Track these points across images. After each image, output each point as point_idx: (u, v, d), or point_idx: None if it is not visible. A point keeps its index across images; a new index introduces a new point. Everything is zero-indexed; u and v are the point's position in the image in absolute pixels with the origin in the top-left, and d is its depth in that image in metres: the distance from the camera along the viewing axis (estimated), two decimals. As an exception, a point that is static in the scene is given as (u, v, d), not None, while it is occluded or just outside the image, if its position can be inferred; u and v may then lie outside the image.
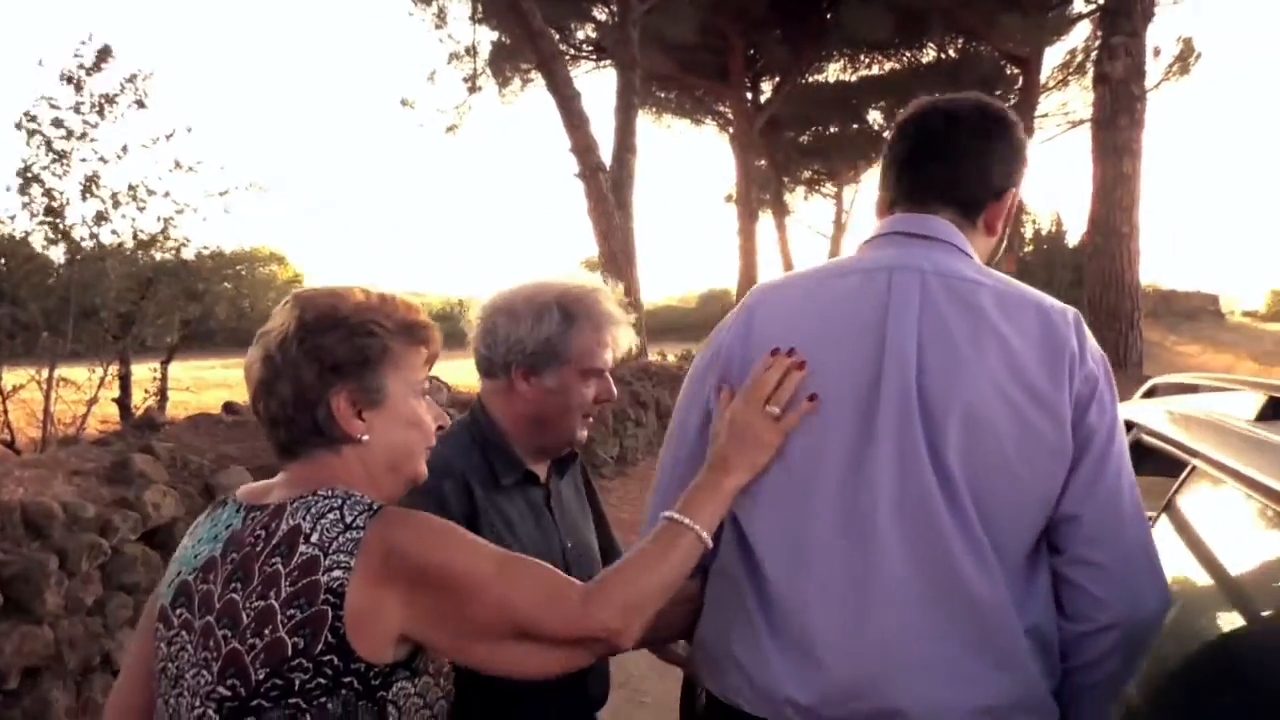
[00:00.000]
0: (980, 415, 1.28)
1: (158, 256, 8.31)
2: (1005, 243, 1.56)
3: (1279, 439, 1.48)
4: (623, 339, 1.76)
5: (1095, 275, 17.33)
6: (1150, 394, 2.66)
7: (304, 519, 1.24)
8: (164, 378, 9.05)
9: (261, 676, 1.19)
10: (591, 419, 1.81)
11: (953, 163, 1.42)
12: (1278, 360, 27.09)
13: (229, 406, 6.33)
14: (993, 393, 1.28)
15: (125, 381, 8.06)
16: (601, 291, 1.75)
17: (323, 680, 1.18)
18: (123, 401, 8.02)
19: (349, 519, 1.24)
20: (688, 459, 1.52)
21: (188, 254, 8.43)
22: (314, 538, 1.22)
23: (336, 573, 1.20)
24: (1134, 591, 1.32)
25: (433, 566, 1.22)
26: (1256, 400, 1.68)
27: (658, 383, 13.13)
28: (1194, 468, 1.67)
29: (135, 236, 7.96)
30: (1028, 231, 38.89)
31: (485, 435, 1.72)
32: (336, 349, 1.30)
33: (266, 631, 1.19)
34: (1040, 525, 1.34)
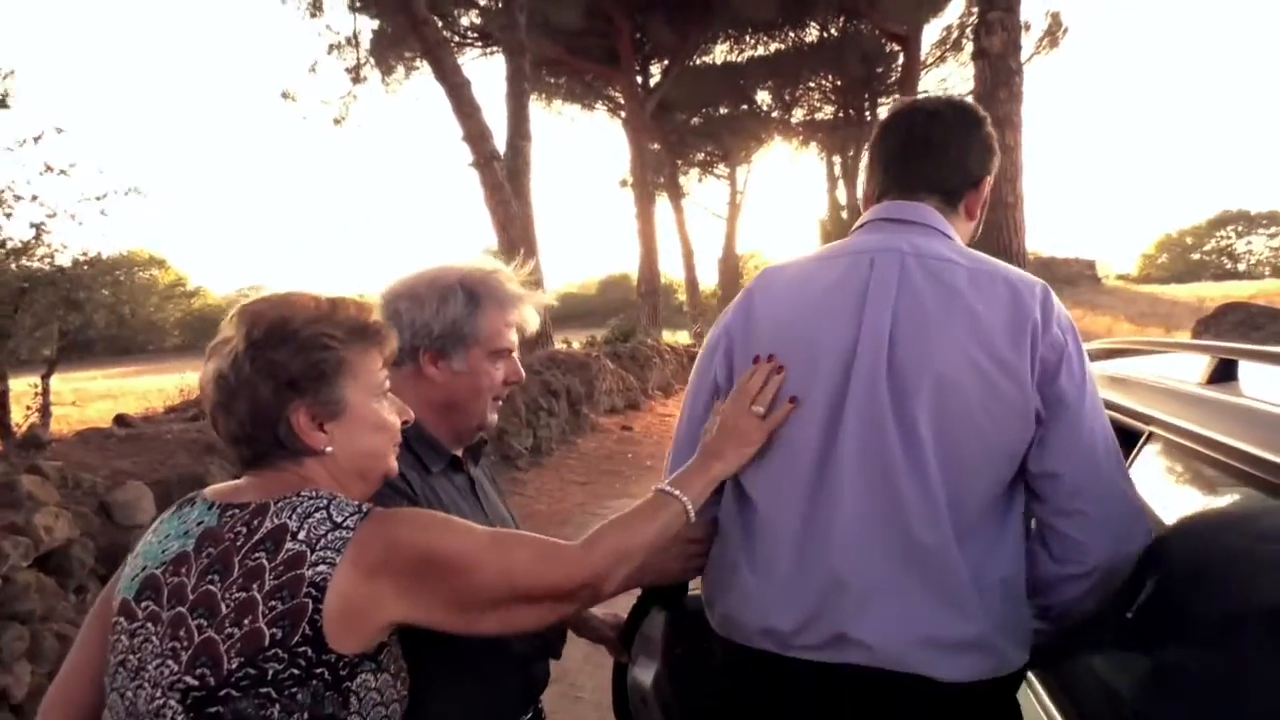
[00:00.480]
0: (950, 379, 1.42)
1: (31, 265, 7.83)
2: (980, 226, 1.73)
3: (1239, 401, 1.48)
4: (529, 318, 1.75)
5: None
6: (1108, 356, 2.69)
7: (290, 518, 1.27)
8: (45, 392, 8.56)
9: (234, 666, 1.20)
10: (501, 401, 1.78)
11: (935, 156, 1.59)
12: (1152, 320, 28.52)
13: (121, 419, 6.00)
14: (961, 360, 1.43)
15: (3, 398, 7.59)
16: (503, 272, 1.74)
17: (295, 671, 1.21)
18: (1, 420, 7.54)
19: (337, 519, 1.28)
20: (692, 439, 1.70)
21: (63, 261, 7.96)
22: (301, 535, 1.25)
23: (321, 568, 1.23)
24: (1117, 536, 1.46)
25: (435, 554, 1.27)
26: (1202, 363, 1.69)
27: (567, 370, 13.04)
28: (1150, 434, 1.67)
29: (4, 245, 7.48)
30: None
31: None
32: (290, 364, 1.31)
33: (246, 621, 1.21)
34: (1007, 479, 1.47)
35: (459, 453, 1.76)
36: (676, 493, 1.51)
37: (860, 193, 1.74)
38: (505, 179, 15.87)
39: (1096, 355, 2.67)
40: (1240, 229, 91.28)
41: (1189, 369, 1.74)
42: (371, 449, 1.39)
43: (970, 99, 1.68)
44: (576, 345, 17.25)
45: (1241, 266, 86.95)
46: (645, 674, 2.03)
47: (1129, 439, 1.70)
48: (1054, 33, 25.63)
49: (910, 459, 1.45)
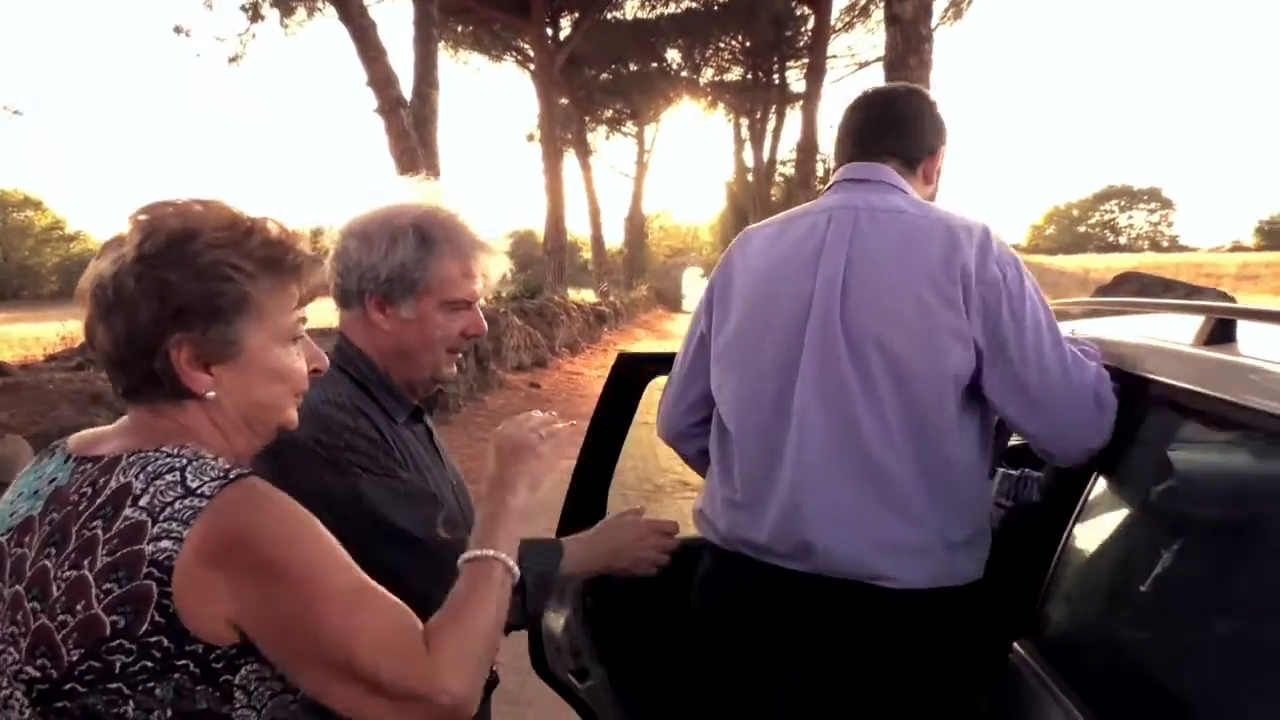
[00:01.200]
0: (896, 312, 1.63)
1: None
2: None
3: (1249, 362, 1.40)
4: (493, 268, 1.64)
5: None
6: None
7: (136, 477, 1.07)
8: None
9: (75, 658, 1.03)
10: (459, 354, 1.69)
11: (897, 127, 1.85)
12: (1054, 291, 29.46)
13: (-5, 367, 5.55)
14: (906, 295, 1.63)
15: None
16: (466, 216, 1.63)
17: (149, 664, 1.03)
18: None
19: (192, 484, 1.07)
20: (683, 380, 1.98)
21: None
22: (143, 500, 1.05)
23: (165, 543, 1.03)
24: (1080, 440, 1.66)
25: (278, 562, 1.05)
26: (1195, 324, 1.60)
27: (473, 326, 12.72)
28: (1154, 397, 1.57)
29: None
30: (819, 170, 40.54)
31: (363, 372, 1.60)
32: (181, 289, 1.10)
33: (79, 607, 1.03)
34: (955, 396, 1.65)
35: (416, 402, 1.69)
36: (490, 553, 1.23)
37: (832, 165, 1.94)
38: (411, 127, 15.35)
39: (1076, 314, 2.62)
40: (1123, 203, 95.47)
41: (1180, 330, 1.66)
42: (266, 399, 1.19)
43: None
44: (483, 301, 16.89)
45: (1123, 239, 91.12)
46: (556, 621, 2.10)
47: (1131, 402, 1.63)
48: (959, 4, 26.05)
49: (863, 384, 1.64)
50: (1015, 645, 1.66)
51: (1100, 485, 1.69)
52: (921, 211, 1.72)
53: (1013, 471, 2.54)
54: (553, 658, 2.15)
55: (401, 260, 1.54)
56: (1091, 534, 1.72)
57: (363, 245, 1.55)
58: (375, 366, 1.59)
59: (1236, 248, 77.47)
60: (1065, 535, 1.68)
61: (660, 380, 2.14)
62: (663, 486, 7.81)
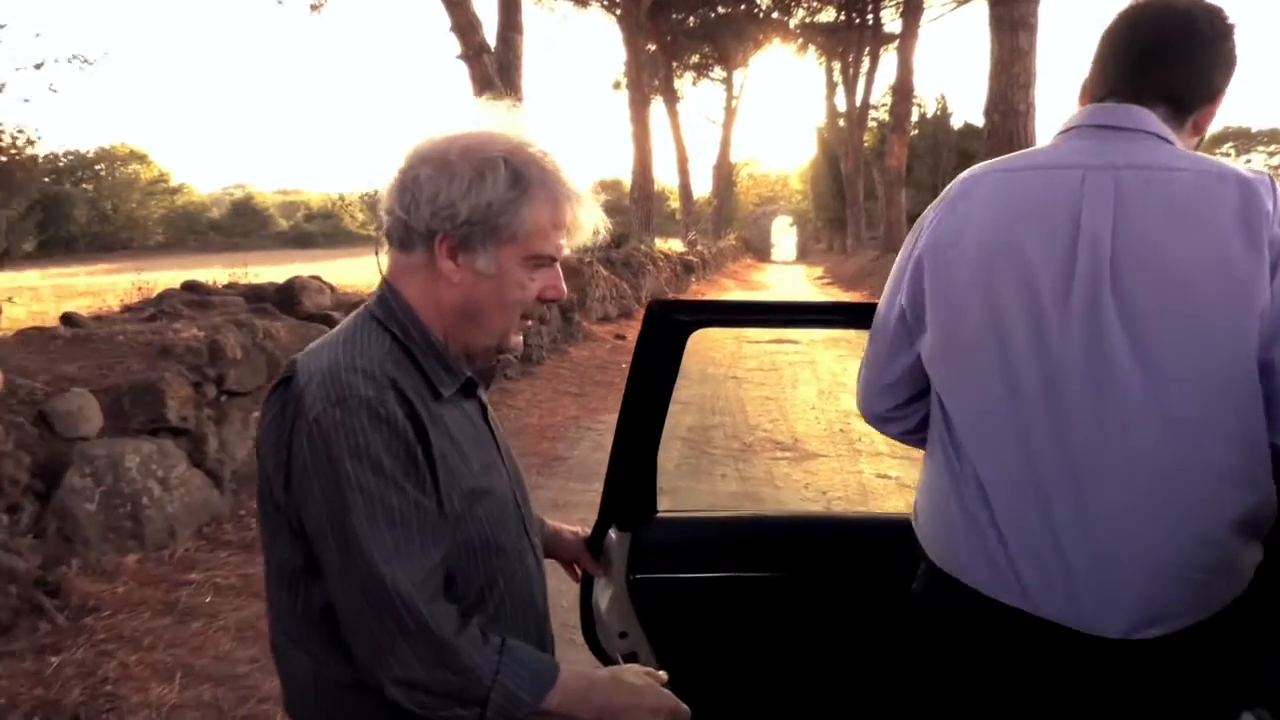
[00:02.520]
0: (1189, 298, 1.31)
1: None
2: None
3: None
4: (585, 222, 1.37)
5: (993, 155, 17.21)
6: None
7: None
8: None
9: None
10: (531, 323, 1.40)
11: (1179, 65, 1.45)
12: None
13: (67, 318, 5.47)
14: (1195, 270, 1.32)
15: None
16: (559, 157, 1.34)
17: None
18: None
19: None
20: (879, 360, 1.64)
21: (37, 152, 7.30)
22: None
23: None
24: None
25: None
26: None
27: (557, 277, 12.52)
28: None
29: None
30: (914, 115, 39.13)
31: (409, 332, 1.32)
32: None
33: None
34: (1255, 392, 1.33)
35: (470, 373, 1.40)
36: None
37: (1081, 83, 1.56)
38: (496, 74, 15.07)
39: None
40: (1240, 146, 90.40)
41: None
42: None
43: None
44: (568, 251, 16.70)
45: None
46: (602, 597, 1.96)
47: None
48: (1071, -68, 24.51)
49: (1150, 392, 1.32)
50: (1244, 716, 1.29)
51: None
52: (1200, 165, 1.38)
53: None
54: (602, 634, 2.01)
55: (489, 200, 1.26)
56: None
57: (440, 174, 1.27)
58: (426, 327, 1.31)
59: (1366, 192, 72.53)
60: None
61: (706, 332, 1.98)
62: (751, 445, 7.51)
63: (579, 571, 1.92)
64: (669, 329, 1.84)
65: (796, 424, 8.37)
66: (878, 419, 1.70)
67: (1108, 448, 1.34)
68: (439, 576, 1.21)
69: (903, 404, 1.64)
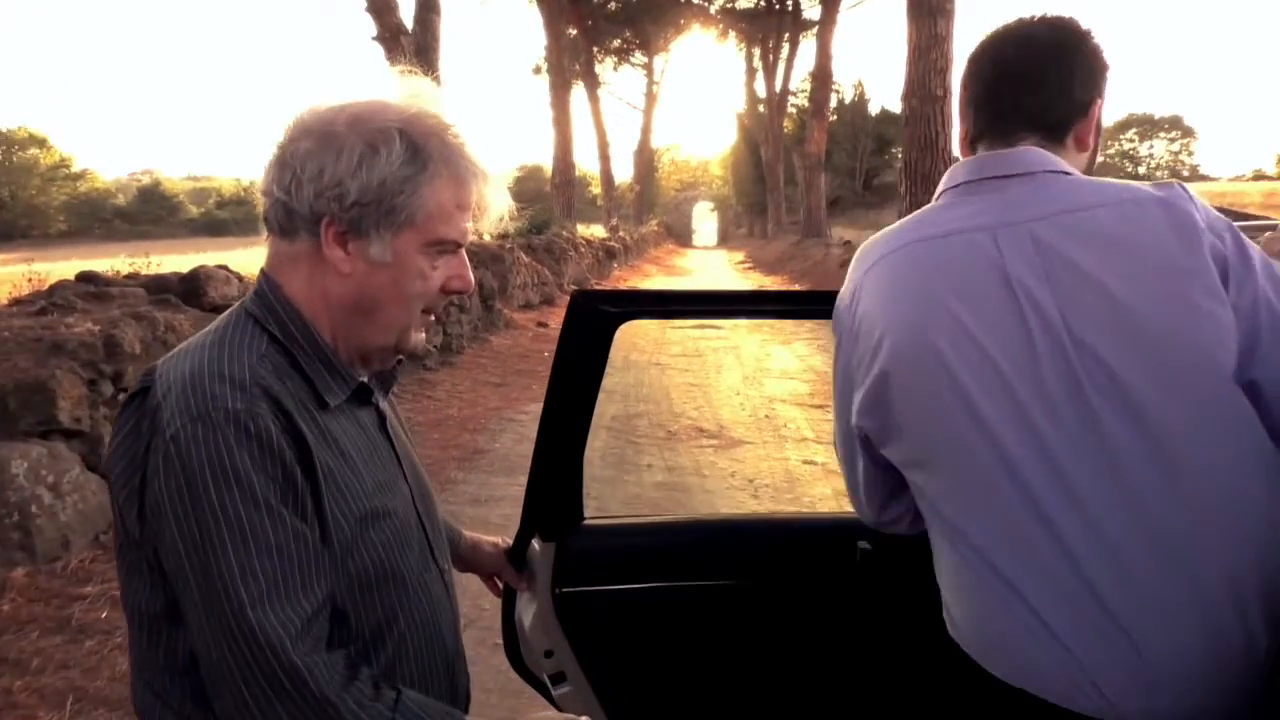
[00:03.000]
0: (1149, 339, 1.22)
1: None
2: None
3: None
4: (494, 204, 1.22)
5: (911, 140, 17.48)
6: None
7: None
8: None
9: None
10: (434, 318, 1.25)
11: (1041, 90, 1.40)
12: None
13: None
14: (1150, 309, 1.22)
15: None
16: (462, 131, 1.19)
17: None
18: None
19: None
20: (866, 474, 1.48)
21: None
22: None
23: None
24: None
25: None
26: None
27: (478, 263, 12.35)
28: None
29: None
30: (833, 101, 39.54)
31: (290, 332, 1.15)
32: None
33: None
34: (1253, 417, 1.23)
35: (365, 378, 1.25)
36: None
37: (956, 133, 1.51)
38: (413, 56, 14.72)
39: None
40: (1144, 132, 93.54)
41: None
42: None
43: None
44: (488, 237, 16.43)
45: (1143, 169, 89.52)
46: (525, 613, 1.83)
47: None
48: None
49: (1152, 452, 1.20)
50: None
51: None
52: (1112, 197, 1.29)
53: None
54: (526, 653, 1.88)
55: (383, 177, 1.10)
56: None
57: (325, 148, 1.10)
58: (311, 325, 1.15)
59: (1259, 176, 75.83)
60: None
61: (634, 324, 1.83)
62: (676, 433, 7.44)
63: (500, 585, 1.79)
64: (594, 321, 1.70)
65: (721, 410, 8.33)
66: (883, 526, 1.55)
67: (1134, 520, 1.21)
68: (323, 620, 1.04)
69: (903, 507, 1.49)
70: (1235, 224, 1.32)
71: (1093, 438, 1.22)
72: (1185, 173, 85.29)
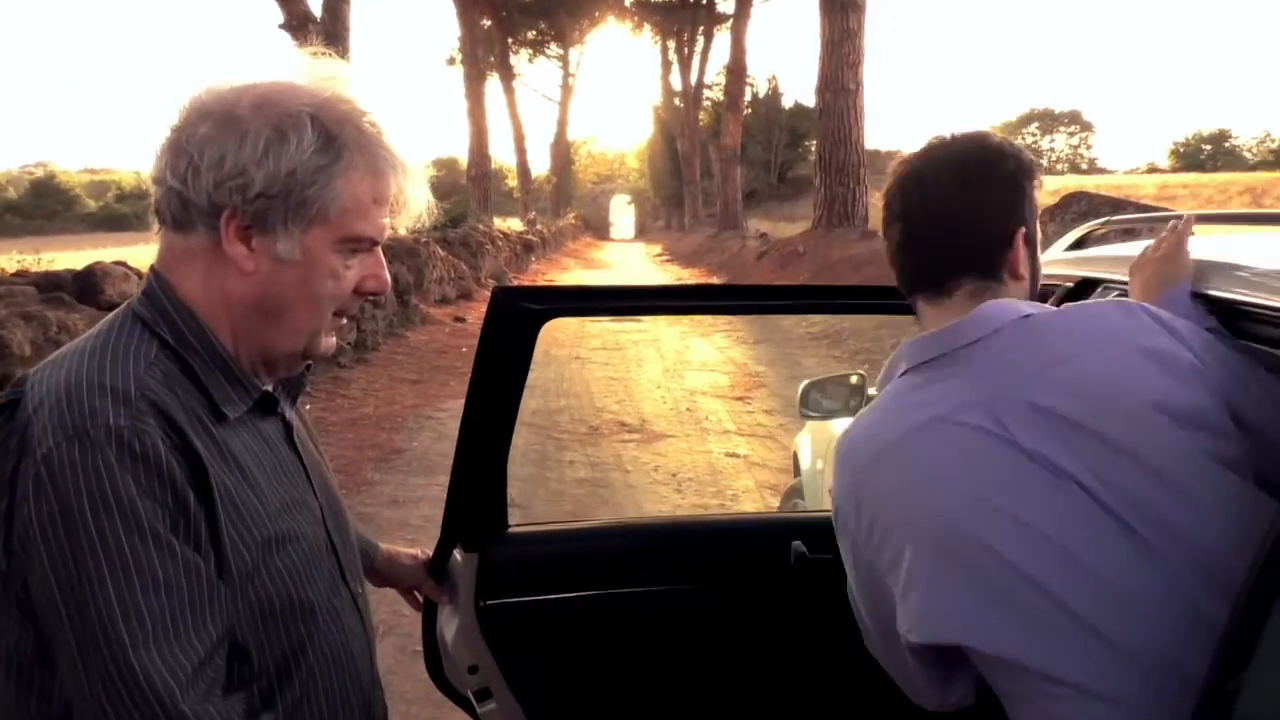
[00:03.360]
0: (1153, 462, 1.15)
1: None
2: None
3: None
4: (413, 199, 1.13)
5: (825, 133, 17.80)
6: (1081, 244, 2.13)
7: None
8: None
9: None
10: (346, 321, 1.16)
11: (951, 230, 1.34)
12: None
13: None
14: (1144, 439, 1.16)
15: None
16: (380, 119, 1.09)
17: None
18: None
19: None
20: (915, 670, 1.32)
21: None
22: None
23: None
24: None
25: None
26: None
27: (392, 257, 12.05)
28: None
29: None
30: (747, 94, 39.95)
31: (185, 338, 1.04)
32: None
33: None
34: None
35: (271, 386, 1.14)
36: None
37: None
38: (321, 45, 14.35)
39: (1097, 239, 2.17)
40: (1045, 126, 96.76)
41: None
42: None
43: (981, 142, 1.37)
44: (402, 230, 16.19)
45: (1044, 162, 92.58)
46: (448, 627, 1.74)
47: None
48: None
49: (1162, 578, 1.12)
50: None
51: None
52: (1086, 338, 1.23)
53: None
54: (449, 669, 1.78)
55: (292, 166, 1.00)
56: None
57: (227, 133, 0.99)
58: (208, 329, 1.04)
59: (1152, 169, 79.09)
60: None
61: (560, 321, 1.75)
62: (598, 428, 7.38)
63: (420, 599, 1.70)
64: (517, 319, 1.61)
65: (643, 404, 8.30)
66: (950, 706, 1.41)
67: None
68: (218, 662, 0.94)
69: (969, 679, 1.36)
70: (1140, 215, 1.29)
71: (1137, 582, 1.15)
72: (1084, 166, 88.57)
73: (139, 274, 6.78)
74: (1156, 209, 11.72)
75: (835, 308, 2.00)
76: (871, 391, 3.08)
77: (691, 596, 1.83)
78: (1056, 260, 2.02)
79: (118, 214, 68.55)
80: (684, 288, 1.58)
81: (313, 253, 1.04)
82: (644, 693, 1.84)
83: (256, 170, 0.98)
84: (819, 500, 3.44)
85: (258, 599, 1.00)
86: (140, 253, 11.91)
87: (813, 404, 3.12)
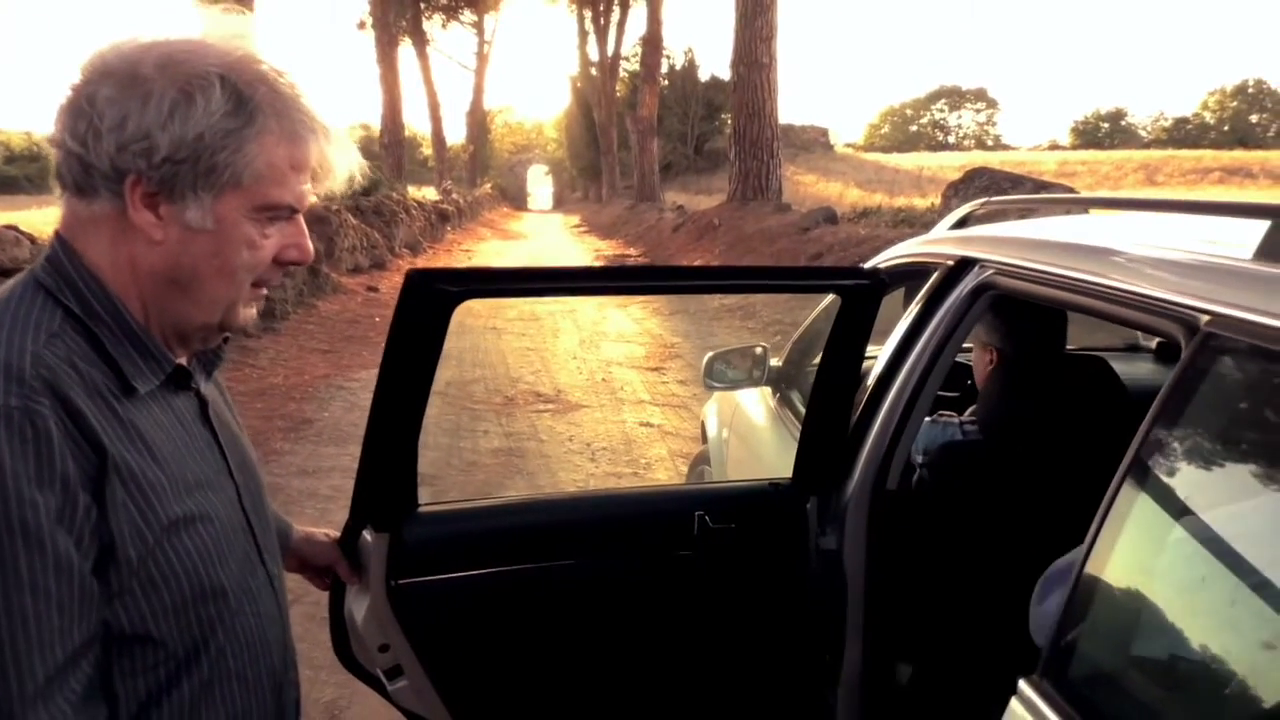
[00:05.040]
0: None
1: None
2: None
3: None
4: (339, 164, 1.08)
5: (739, 107, 17.91)
6: (963, 223, 2.20)
7: None
8: None
9: None
10: (266, 291, 1.11)
11: None
12: (878, 187, 30.11)
13: None
14: None
15: None
16: (296, 79, 1.04)
17: None
18: None
19: None
20: None
21: None
22: None
23: None
24: None
25: None
26: (1257, 230, 1.18)
27: (302, 227, 11.78)
28: (1208, 336, 1.10)
29: None
30: (664, 67, 39.81)
31: (91, 307, 1.00)
32: None
33: None
34: None
35: (184, 360, 1.10)
36: None
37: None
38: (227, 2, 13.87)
39: (979, 218, 2.25)
40: (953, 103, 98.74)
41: (1229, 240, 1.26)
42: None
43: None
44: (314, 198, 15.79)
45: (951, 139, 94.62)
46: (358, 607, 1.73)
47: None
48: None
49: None
50: (1022, 685, 1.22)
51: (1144, 470, 1.16)
52: None
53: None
54: (357, 648, 1.79)
55: (200, 129, 0.96)
56: (1133, 534, 1.19)
57: (129, 94, 0.95)
58: (117, 300, 1.00)
59: (1054, 146, 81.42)
60: (1091, 538, 1.19)
61: (475, 304, 1.72)
62: (514, 398, 7.38)
63: (328, 581, 1.68)
64: (432, 301, 1.59)
65: (559, 375, 8.32)
66: None
67: None
68: (81, 669, 0.91)
69: None
70: (1022, 197, 1.31)
71: None
72: (990, 142, 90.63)
73: (32, 239, 6.53)
74: (1054, 186, 12.19)
75: (748, 288, 2.05)
76: (774, 363, 3.18)
77: (597, 570, 1.87)
78: (939, 239, 2.11)
79: (6, 176, 65.14)
80: (600, 269, 1.56)
81: (226, 221, 1.00)
82: (555, 666, 1.88)
83: (161, 134, 0.94)
84: (722, 468, 3.54)
85: (162, 579, 0.97)
86: (32, 217, 11.40)
87: (717, 375, 3.19)
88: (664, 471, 5.64)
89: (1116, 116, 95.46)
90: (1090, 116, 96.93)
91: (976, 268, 1.79)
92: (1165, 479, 1.12)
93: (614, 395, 7.54)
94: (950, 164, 37.09)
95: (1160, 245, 1.38)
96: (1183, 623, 1.07)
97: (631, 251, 21.85)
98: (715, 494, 1.99)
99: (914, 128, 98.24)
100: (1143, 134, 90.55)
